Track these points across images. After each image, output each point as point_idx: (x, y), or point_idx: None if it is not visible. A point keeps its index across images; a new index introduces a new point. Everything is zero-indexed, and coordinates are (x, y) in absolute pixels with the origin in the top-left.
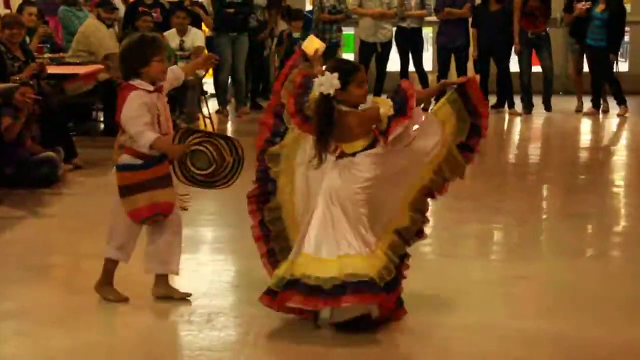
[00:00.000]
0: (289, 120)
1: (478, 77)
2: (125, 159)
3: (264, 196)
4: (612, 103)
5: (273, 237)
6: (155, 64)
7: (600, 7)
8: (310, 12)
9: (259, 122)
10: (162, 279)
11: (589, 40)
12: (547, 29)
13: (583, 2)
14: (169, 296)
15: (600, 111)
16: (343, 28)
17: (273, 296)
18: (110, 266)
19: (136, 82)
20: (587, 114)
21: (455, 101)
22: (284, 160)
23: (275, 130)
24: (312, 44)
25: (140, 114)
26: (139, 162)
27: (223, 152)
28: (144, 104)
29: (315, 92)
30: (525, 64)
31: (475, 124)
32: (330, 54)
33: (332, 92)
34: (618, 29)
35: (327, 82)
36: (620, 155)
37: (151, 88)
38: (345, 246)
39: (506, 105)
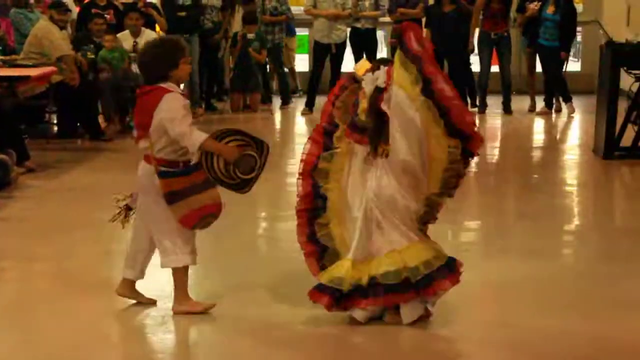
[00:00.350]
0: (338, 141)
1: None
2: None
3: (314, 211)
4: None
5: (328, 253)
6: (183, 66)
7: (550, 9)
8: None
9: (309, 138)
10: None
11: (541, 40)
12: (508, 30)
13: (535, 2)
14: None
15: (553, 110)
16: (297, 29)
17: (333, 295)
18: (183, 275)
19: (166, 84)
20: (540, 114)
21: (398, 54)
22: (332, 177)
23: (326, 149)
24: (364, 66)
25: (185, 114)
26: (177, 169)
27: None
28: (185, 106)
29: (368, 88)
30: (485, 64)
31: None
32: (274, 55)
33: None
34: (570, 29)
35: (383, 76)
36: (572, 154)
37: (180, 91)
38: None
39: None
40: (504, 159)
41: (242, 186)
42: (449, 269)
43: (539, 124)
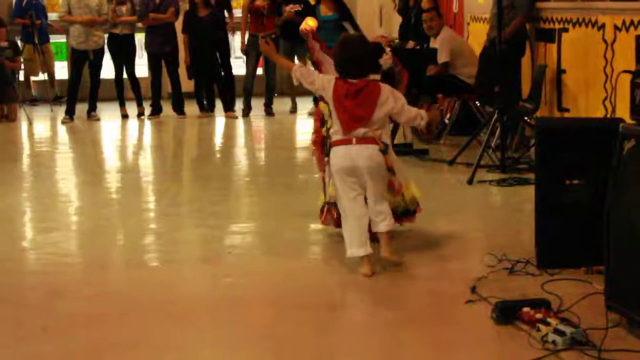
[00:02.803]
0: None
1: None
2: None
3: None
4: None
5: None
6: None
7: (324, 10)
8: None
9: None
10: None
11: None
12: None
13: (291, 5)
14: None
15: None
16: (54, 37)
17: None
18: None
19: (373, 77)
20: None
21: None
22: None
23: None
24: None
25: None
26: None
27: None
28: None
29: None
30: (250, 67)
31: None
32: None
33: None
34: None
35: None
36: None
37: None
38: None
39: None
40: (268, 160)
41: None
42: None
43: (301, 125)
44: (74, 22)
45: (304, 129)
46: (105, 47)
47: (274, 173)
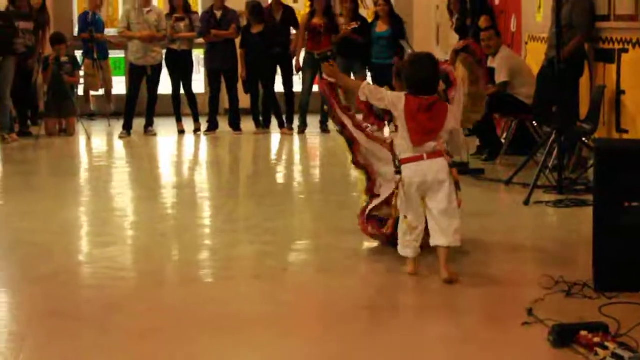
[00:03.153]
0: None
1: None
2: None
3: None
4: None
5: None
6: None
7: (381, 27)
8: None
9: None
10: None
11: (374, 59)
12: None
13: (351, 23)
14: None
15: None
16: (113, 52)
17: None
18: None
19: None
20: None
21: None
22: None
23: None
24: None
25: None
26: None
27: None
28: None
29: None
30: (306, 84)
31: None
32: None
33: None
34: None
35: None
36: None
37: None
38: None
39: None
40: (323, 177)
41: None
42: None
43: None
44: (132, 37)
45: None
46: (163, 62)
47: (328, 190)
